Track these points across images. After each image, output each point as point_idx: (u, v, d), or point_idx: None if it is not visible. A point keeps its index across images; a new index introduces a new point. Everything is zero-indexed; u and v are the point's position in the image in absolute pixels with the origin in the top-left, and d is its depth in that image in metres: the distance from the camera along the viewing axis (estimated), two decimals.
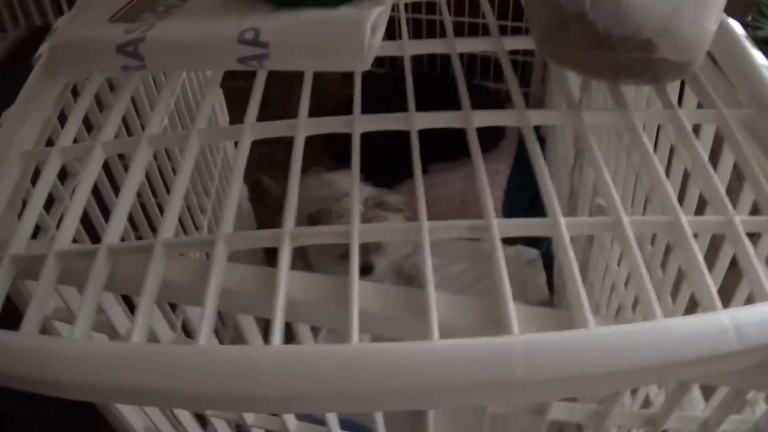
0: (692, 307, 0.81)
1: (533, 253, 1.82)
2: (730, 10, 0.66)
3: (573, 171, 1.39)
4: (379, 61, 0.69)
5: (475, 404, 0.55)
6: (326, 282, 0.52)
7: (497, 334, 0.44)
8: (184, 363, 0.43)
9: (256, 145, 0.64)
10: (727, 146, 0.66)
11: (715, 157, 0.61)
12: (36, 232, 0.62)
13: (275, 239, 0.52)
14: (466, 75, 0.63)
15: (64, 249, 0.55)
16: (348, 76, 0.69)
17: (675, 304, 0.84)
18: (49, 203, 0.75)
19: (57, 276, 0.54)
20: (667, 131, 0.79)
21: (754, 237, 0.54)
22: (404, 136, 0.63)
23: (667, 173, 0.78)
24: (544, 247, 1.85)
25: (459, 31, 1.88)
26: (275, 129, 0.63)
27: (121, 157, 0.92)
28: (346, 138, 0.62)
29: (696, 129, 0.62)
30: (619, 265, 1.15)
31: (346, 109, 0.65)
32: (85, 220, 0.61)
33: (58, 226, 0.75)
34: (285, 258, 0.51)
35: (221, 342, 0.64)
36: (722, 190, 0.56)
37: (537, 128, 0.62)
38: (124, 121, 0.90)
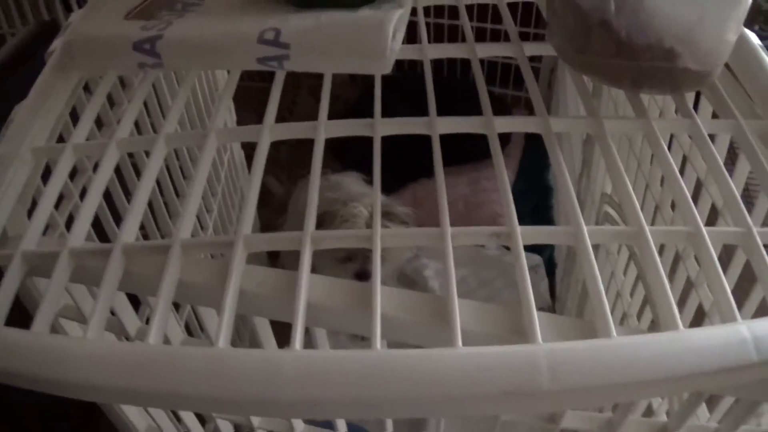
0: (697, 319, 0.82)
1: (536, 259, 1.82)
2: None
3: (580, 179, 1.39)
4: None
5: (498, 413, 0.55)
6: (347, 287, 0.52)
7: (520, 343, 0.44)
8: (205, 367, 0.42)
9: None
10: (743, 157, 0.65)
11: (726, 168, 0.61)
12: (44, 229, 0.61)
13: (296, 242, 0.52)
14: (472, 79, 0.63)
15: (77, 247, 0.54)
16: (355, 78, 0.69)
17: (682, 315, 0.84)
18: (58, 199, 0.74)
19: (69, 274, 0.54)
20: (682, 140, 0.78)
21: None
22: (409, 139, 0.62)
23: None
24: (546, 253, 1.85)
25: (481, 36, 1.91)
26: (295, 130, 0.62)
27: (129, 155, 0.92)
28: (351, 141, 0.62)
29: (710, 139, 0.62)
30: (625, 273, 1.14)
31: (353, 110, 0.64)
32: (94, 218, 0.61)
33: (67, 223, 0.75)
34: (306, 261, 0.50)
35: (235, 344, 0.63)
36: (740, 201, 0.56)
37: (538, 135, 0.62)
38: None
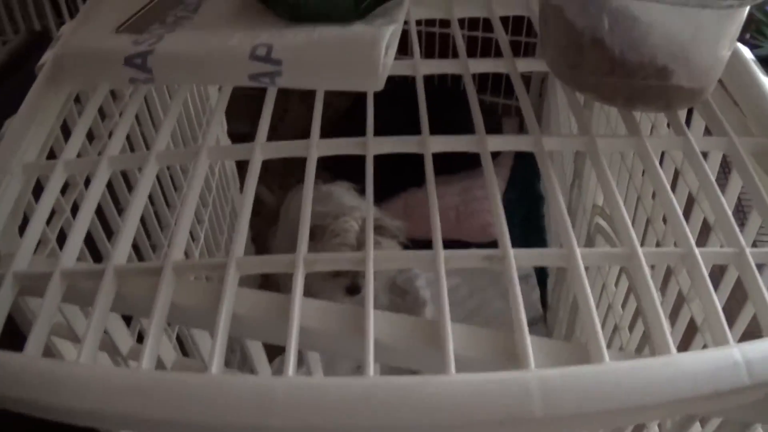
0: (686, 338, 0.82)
1: (527, 268, 1.81)
2: None
3: (571, 190, 1.38)
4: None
5: None
6: (341, 311, 0.51)
7: (513, 368, 0.44)
8: (198, 393, 0.41)
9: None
10: (735, 175, 0.65)
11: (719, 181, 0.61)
12: (36, 245, 0.60)
13: (289, 265, 0.51)
14: (462, 89, 0.63)
15: (69, 268, 0.54)
16: None
17: (674, 330, 0.83)
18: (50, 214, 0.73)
19: (62, 295, 0.53)
20: (674, 157, 0.78)
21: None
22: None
23: None
24: None
25: (472, 46, 1.91)
26: (287, 149, 0.62)
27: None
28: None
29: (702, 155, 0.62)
30: (616, 285, 1.14)
31: (345, 118, 0.65)
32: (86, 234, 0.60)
33: (58, 239, 0.74)
34: (299, 285, 0.50)
35: (228, 366, 0.63)
36: (733, 220, 0.56)
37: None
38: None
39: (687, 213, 0.75)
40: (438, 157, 0.60)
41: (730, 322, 0.54)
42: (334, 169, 1.74)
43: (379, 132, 0.62)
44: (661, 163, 0.66)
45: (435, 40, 1.99)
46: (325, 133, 0.63)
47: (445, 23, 1.88)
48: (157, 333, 0.48)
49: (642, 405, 0.42)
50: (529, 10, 0.85)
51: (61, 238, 0.57)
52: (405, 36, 0.73)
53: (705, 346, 0.74)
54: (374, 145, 0.61)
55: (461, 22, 0.79)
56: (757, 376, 0.43)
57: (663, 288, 0.88)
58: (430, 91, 0.65)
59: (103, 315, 0.51)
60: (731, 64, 0.64)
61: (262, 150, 0.61)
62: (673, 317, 0.85)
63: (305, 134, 0.62)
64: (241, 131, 1.11)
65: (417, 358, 0.49)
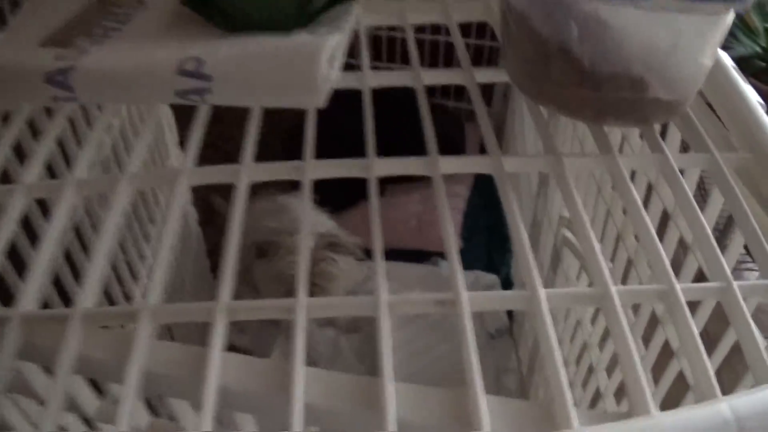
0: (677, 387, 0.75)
1: (492, 279, 1.75)
2: None
3: (537, 198, 1.33)
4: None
5: None
6: (266, 367, 0.44)
7: None
8: None
9: (205, 161, 0.56)
10: (716, 195, 0.59)
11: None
12: None
13: (209, 314, 0.44)
14: (428, 93, 0.57)
15: None
16: None
17: (658, 385, 0.77)
18: None
19: None
20: (648, 173, 0.72)
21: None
22: (362, 154, 0.56)
23: None
24: (503, 272, 1.78)
25: (435, 52, 1.86)
26: (216, 174, 0.55)
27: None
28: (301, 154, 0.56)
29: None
30: (593, 323, 1.08)
31: (302, 129, 0.58)
32: None
33: None
34: (218, 336, 0.43)
35: (158, 415, 0.56)
36: (717, 248, 0.49)
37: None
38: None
39: (661, 231, 0.70)
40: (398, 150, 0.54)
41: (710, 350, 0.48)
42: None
43: (346, 139, 0.60)
44: (632, 177, 0.60)
45: (396, 46, 1.95)
46: (293, 140, 0.56)
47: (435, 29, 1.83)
48: (59, 392, 0.42)
49: None
50: (489, 15, 0.79)
51: None
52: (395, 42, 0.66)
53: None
54: (312, 170, 0.54)
55: (423, 26, 0.73)
56: None
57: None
58: (395, 97, 0.59)
59: (9, 363, 0.45)
60: (711, 72, 0.58)
61: (189, 176, 0.54)
62: (662, 361, 0.79)
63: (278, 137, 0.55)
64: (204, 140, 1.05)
65: (354, 422, 0.43)
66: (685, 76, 0.54)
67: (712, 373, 0.43)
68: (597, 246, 0.48)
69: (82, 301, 0.46)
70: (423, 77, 0.64)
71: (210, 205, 1.79)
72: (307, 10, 0.63)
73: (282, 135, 2.13)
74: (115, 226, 0.52)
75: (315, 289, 1.41)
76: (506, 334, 1.67)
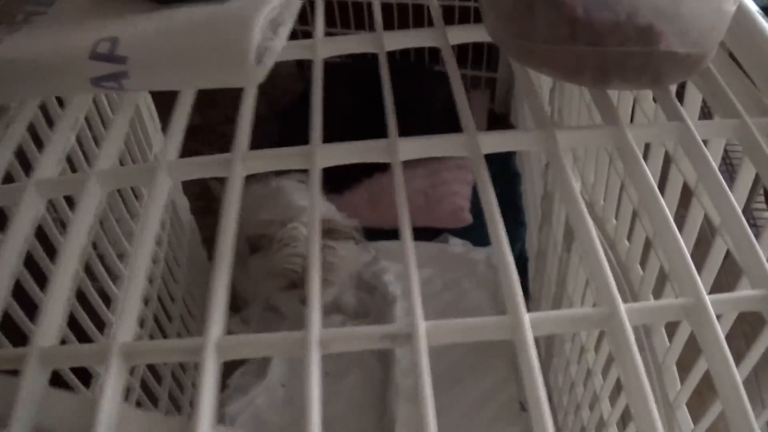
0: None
1: None
2: None
3: (547, 168, 1.23)
4: None
5: None
6: (165, 425, 0.34)
7: None
8: None
9: (204, 146, 0.46)
10: (747, 167, 0.49)
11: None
12: None
13: (100, 355, 0.34)
14: (429, 60, 0.46)
15: None
16: (303, 67, 0.51)
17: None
18: None
19: None
20: (667, 146, 0.62)
21: None
22: (362, 129, 0.51)
23: None
24: (517, 248, 1.68)
25: (404, 15, 1.76)
26: (204, 168, 0.45)
27: None
28: (303, 133, 0.45)
29: None
30: (597, 349, 0.99)
31: (298, 105, 0.47)
32: None
33: None
34: (110, 386, 0.33)
35: None
36: (756, 245, 0.39)
37: (503, 116, 0.45)
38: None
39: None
40: (406, 132, 0.44)
41: None
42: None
43: (335, 116, 0.52)
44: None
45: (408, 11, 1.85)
46: (291, 119, 0.46)
47: None
48: None
49: None
50: None
51: None
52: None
53: None
54: (323, 156, 0.44)
55: None
56: None
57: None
58: (395, 69, 0.49)
59: None
60: (734, 20, 0.47)
61: (170, 171, 0.44)
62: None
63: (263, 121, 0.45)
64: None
65: None
66: (704, 24, 0.43)
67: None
68: (602, 257, 0.37)
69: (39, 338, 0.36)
70: (387, 41, 0.54)
71: (208, 190, 1.70)
72: None
73: (280, 114, 2.04)
74: (83, 234, 0.43)
75: None
76: None
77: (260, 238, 1.32)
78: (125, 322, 0.36)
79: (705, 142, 0.46)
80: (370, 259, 1.63)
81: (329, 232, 1.33)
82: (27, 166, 0.71)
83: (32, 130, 0.79)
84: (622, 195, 0.82)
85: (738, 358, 0.45)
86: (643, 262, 0.79)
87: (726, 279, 0.57)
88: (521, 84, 0.49)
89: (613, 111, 0.46)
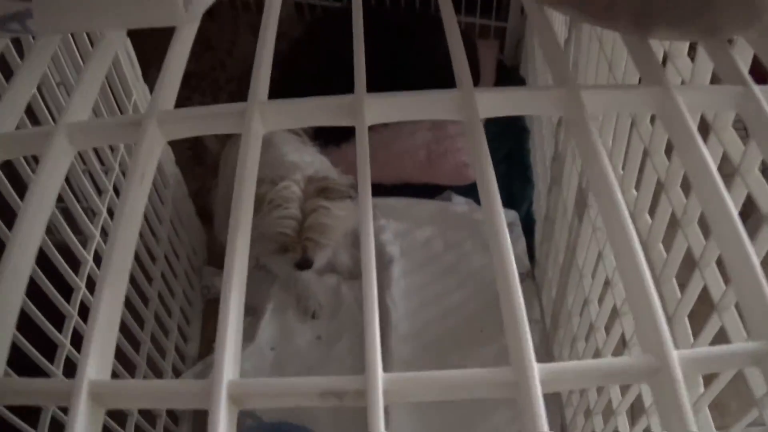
0: None
1: (511, 215, 1.58)
2: None
3: (558, 128, 1.13)
4: None
5: None
6: None
7: None
8: None
9: (196, 94, 0.37)
10: None
11: None
12: None
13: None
14: (434, 7, 0.37)
15: None
16: (303, 12, 0.41)
17: None
18: None
19: None
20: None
21: None
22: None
23: None
24: (524, 208, 1.59)
25: None
26: (208, 121, 0.38)
27: None
28: (308, 82, 0.36)
29: None
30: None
31: (297, 50, 0.38)
32: None
33: None
34: None
35: None
36: None
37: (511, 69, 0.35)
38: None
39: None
40: (405, 84, 0.35)
41: None
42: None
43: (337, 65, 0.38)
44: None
45: None
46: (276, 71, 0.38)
47: None
48: None
49: None
50: None
51: None
52: None
53: None
54: (370, 109, 0.34)
55: None
56: None
57: None
58: (396, 16, 0.39)
59: None
60: None
61: (161, 126, 0.35)
62: None
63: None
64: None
65: None
66: None
67: None
68: (650, 289, 0.27)
69: None
70: None
71: (200, 142, 1.61)
72: None
73: (278, 60, 1.93)
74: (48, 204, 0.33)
75: (309, 244, 1.26)
76: (527, 279, 1.52)
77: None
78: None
79: None
80: None
81: (324, 190, 1.24)
82: None
83: None
84: (646, 163, 0.72)
85: None
86: (667, 243, 0.69)
87: None
88: (538, 29, 0.39)
89: (658, 68, 0.35)
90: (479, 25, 1.93)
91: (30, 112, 0.80)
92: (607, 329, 0.94)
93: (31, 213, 0.33)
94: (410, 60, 1.58)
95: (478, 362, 1.35)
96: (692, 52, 0.53)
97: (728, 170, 0.51)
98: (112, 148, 1.09)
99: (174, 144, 1.37)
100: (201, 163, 1.67)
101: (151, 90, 1.27)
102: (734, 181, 0.51)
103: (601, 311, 0.96)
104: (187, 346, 1.43)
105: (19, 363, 0.60)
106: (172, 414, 1.29)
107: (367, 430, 0.23)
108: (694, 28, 0.35)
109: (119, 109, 1.10)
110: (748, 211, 0.49)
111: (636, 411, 0.84)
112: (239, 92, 1.82)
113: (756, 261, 0.28)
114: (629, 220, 0.28)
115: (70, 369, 0.87)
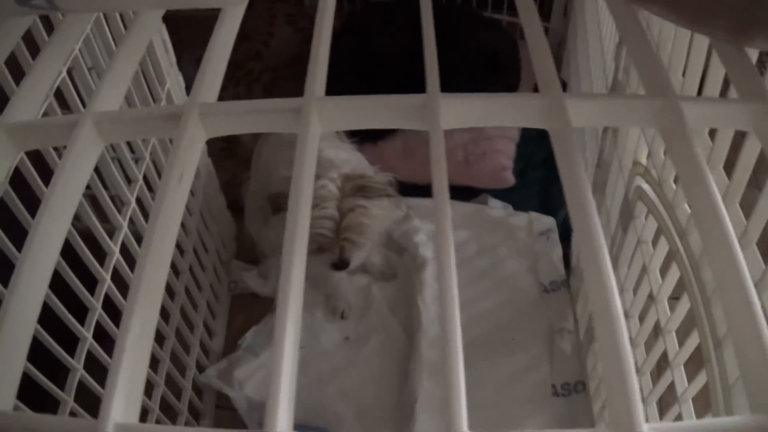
0: None
1: (548, 222, 1.55)
2: None
3: (604, 135, 1.09)
4: None
5: None
6: None
7: None
8: None
9: (230, 83, 0.34)
10: None
11: None
12: None
13: None
14: (478, 5, 0.34)
15: None
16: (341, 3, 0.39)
17: None
18: None
19: None
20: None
21: None
22: (399, 78, 0.45)
23: None
24: (561, 215, 1.55)
25: None
26: (251, 119, 0.33)
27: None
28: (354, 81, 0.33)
29: None
30: None
31: (334, 43, 0.36)
32: None
33: None
34: None
35: None
36: None
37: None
38: None
39: None
40: (444, 83, 0.32)
41: None
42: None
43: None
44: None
45: None
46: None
47: None
48: None
49: None
50: None
51: None
52: None
53: None
54: (448, 111, 0.31)
55: None
56: None
57: None
58: (435, 10, 0.45)
59: None
60: None
61: (204, 122, 0.32)
62: None
63: (294, 62, 0.32)
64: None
65: None
66: None
67: None
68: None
69: None
70: None
71: (233, 135, 1.58)
72: None
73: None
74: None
75: (346, 245, 1.23)
76: (562, 287, 1.48)
77: (280, 196, 1.17)
78: None
79: None
80: (401, 216, 1.51)
81: (361, 189, 1.20)
82: None
83: None
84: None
85: None
86: None
87: None
88: (626, 32, 0.35)
89: (759, 81, 0.31)
90: (507, 21, 1.87)
91: (61, 98, 0.77)
92: (648, 346, 0.90)
93: (47, 219, 0.29)
94: (450, 56, 1.54)
95: (507, 371, 1.32)
96: None
97: None
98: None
99: None
100: (232, 155, 1.64)
101: (185, 79, 1.22)
102: None
103: (642, 328, 0.93)
104: (212, 342, 1.41)
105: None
106: (193, 410, 1.26)
107: None
108: None
109: (152, 96, 1.07)
110: None
111: None
112: (273, 84, 1.79)
113: None
114: (739, 251, 0.25)
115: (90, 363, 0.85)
